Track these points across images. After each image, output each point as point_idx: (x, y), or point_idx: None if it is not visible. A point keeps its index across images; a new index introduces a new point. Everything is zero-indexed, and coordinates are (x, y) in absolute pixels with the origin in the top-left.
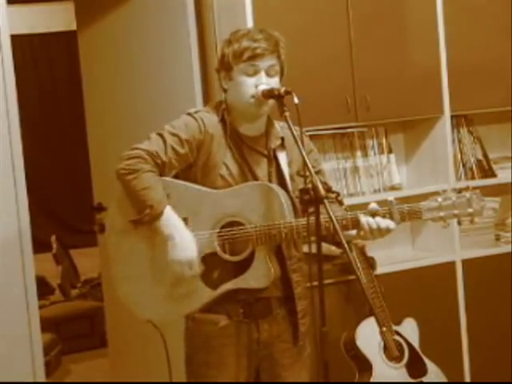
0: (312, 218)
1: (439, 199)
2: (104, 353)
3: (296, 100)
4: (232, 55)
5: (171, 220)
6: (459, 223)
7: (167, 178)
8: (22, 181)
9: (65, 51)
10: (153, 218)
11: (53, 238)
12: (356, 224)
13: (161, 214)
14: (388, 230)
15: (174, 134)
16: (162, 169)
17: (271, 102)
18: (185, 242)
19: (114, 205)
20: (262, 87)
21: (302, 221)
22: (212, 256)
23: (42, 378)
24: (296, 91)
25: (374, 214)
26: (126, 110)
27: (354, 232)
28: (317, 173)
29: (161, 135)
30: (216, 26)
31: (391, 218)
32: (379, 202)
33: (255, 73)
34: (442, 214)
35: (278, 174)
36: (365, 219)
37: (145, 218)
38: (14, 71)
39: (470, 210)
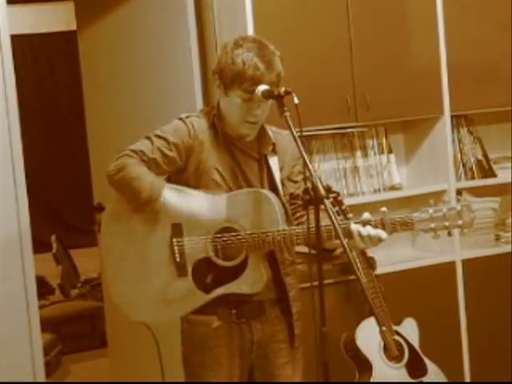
0: (310, 226)
1: (430, 211)
2: (104, 353)
3: (296, 100)
4: (230, 78)
5: (172, 195)
6: (449, 234)
7: None
8: (22, 181)
9: (65, 51)
10: (153, 198)
11: (53, 237)
12: (347, 234)
13: (160, 192)
14: (379, 240)
15: (161, 137)
16: (148, 166)
17: (258, 126)
18: (193, 207)
19: (109, 205)
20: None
21: (296, 229)
22: (205, 261)
23: (42, 378)
24: (296, 91)
25: (365, 224)
26: (126, 110)
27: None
28: (295, 182)
29: (148, 138)
30: (216, 26)
31: (383, 228)
32: (379, 203)
33: (251, 98)
34: (432, 225)
35: (269, 178)
36: (355, 227)
37: (145, 199)
38: (14, 71)
39: (460, 222)
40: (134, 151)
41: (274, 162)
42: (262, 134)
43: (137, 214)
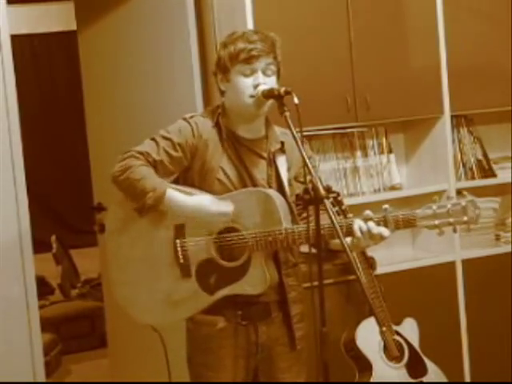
0: (311, 225)
1: (434, 207)
2: (104, 353)
3: (296, 100)
4: (228, 57)
5: (175, 195)
6: (454, 231)
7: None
8: (22, 181)
9: (65, 51)
10: (157, 199)
11: (53, 237)
12: (350, 232)
13: (164, 193)
14: (381, 237)
15: (166, 138)
16: (154, 167)
17: (270, 102)
18: (198, 204)
19: (113, 207)
20: (262, 87)
21: (299, 227)
22: (209, 262)
23: (42, 378)
24: (296, 91)
25: (367, 221)
26: (126, 110)
27: (348, 240)
28: (302, 183)
29: (153, 139)
30: (216, 26)
31: (385, 225)
32: (379, 202)
33: (252, 73)
34: (436, 222)
35: (276, 178)
36: (357, 225)
37: (148, 201)
38: (14, 71)
39: (465, 218)
40: (139, 152)
41: (281, 161)
42: (269, 132)
43: (140, 215)
